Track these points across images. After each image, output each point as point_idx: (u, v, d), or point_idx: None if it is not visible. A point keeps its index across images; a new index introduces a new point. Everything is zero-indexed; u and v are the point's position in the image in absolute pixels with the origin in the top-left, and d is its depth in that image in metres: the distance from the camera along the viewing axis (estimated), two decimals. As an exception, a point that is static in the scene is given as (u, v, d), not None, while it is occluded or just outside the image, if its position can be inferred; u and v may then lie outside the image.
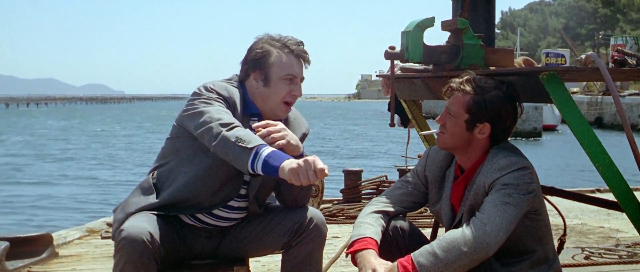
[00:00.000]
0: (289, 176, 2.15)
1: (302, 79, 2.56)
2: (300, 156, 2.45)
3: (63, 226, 8.13)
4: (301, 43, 2.56)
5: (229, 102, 2.45)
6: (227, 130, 2.29)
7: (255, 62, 2.52)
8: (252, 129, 2.44)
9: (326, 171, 2.17)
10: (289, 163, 2.18)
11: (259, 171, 2.22)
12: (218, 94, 2.45)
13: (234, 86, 2.53)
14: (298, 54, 2.54)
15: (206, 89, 2.46)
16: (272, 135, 2.35)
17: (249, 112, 2.53)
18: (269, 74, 2.50)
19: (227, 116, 2.36)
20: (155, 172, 2.57)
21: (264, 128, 2.36)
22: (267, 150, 2.23)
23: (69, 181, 18.08)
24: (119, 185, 16.60)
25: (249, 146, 2.23)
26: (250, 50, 2.55)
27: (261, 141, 2.27)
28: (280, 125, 2.41)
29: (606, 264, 4.21)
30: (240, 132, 2.29)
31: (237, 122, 2.34)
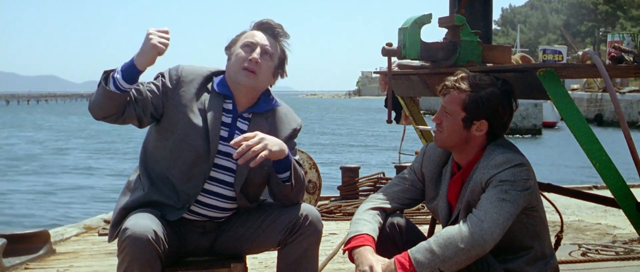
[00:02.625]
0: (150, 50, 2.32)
1: (269, 52, 2.54)
2: (286, 158, 2.46)
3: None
4: (272, 21, 2.59)
5: (170, 76, 2.52)
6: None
7: (230, 43, 2.58)
8: (225, 110, 2.52)
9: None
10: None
11: (121, 82, 2.32)
12: (168, 72, 2.54)
13: (204, 68, 2.59)
14: (263, 27, 2.57)
15: (168, 69, 2.56)
16: (252, 149, 2.35)
17: (222, 92, 2.55)
18: (233, 48, 2.55)
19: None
20: (138, 166, 2.61)
21: (243, 142, 2.36)
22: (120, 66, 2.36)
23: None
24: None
25: (101, 78, 2.36)
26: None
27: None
28: (259, 135, 2.40)
29: (603, 260, 4.22)
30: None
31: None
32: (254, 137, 2.38)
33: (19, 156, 24.18)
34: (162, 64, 2.49)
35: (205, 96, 2.51)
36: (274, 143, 2.41)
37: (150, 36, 2.32)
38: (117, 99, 2.34)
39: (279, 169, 2.50)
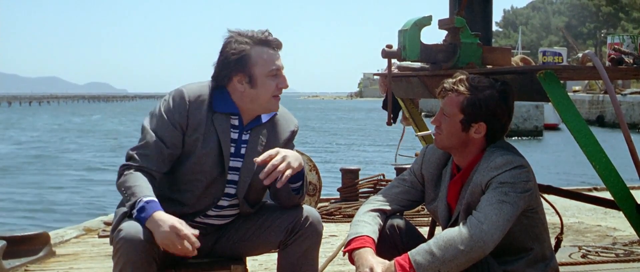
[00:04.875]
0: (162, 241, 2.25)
1: (283, 67, 2.55)
2: (301, 172, 2.49)
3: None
4: (270, 33, 2.53)
5: (177, 106, 2.44)
6: (124, 176, 2.37)
7: (236, 65, 2.47)
8: (232, 127, 2.49)
9: (190, 245, 2.24)
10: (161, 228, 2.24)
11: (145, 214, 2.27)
12: (176, 103, 2.45)
13: (205, 84, 2.52)
14: (273, 45, 2.51)
15: (172, 96, 2.47)
16: (278, 168, 2.36)
17: (228, 111, 2.50)
18: (253, 74, 2.47)
19: (144, 150, 2.41)
20: None
21: (267, 161, 2.37)
22: (141, 203, 2.28)
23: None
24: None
25: (129, 202, 2.31)
26: (224, 53, 2.48)
27: (140, 195, 2.29)
28: (281, 153, 2.40)
29: (603, 262, 4.21)
30: (131, 182, 2.33)
31: (136, 165, 2.38)
32: (276, 154, 2.39)
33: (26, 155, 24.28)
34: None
35: (213, 114, 2.48)
36: (294, 158, 2.43)
37: (179, 241, 2.23)
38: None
39: (293, 179, 2.51)
